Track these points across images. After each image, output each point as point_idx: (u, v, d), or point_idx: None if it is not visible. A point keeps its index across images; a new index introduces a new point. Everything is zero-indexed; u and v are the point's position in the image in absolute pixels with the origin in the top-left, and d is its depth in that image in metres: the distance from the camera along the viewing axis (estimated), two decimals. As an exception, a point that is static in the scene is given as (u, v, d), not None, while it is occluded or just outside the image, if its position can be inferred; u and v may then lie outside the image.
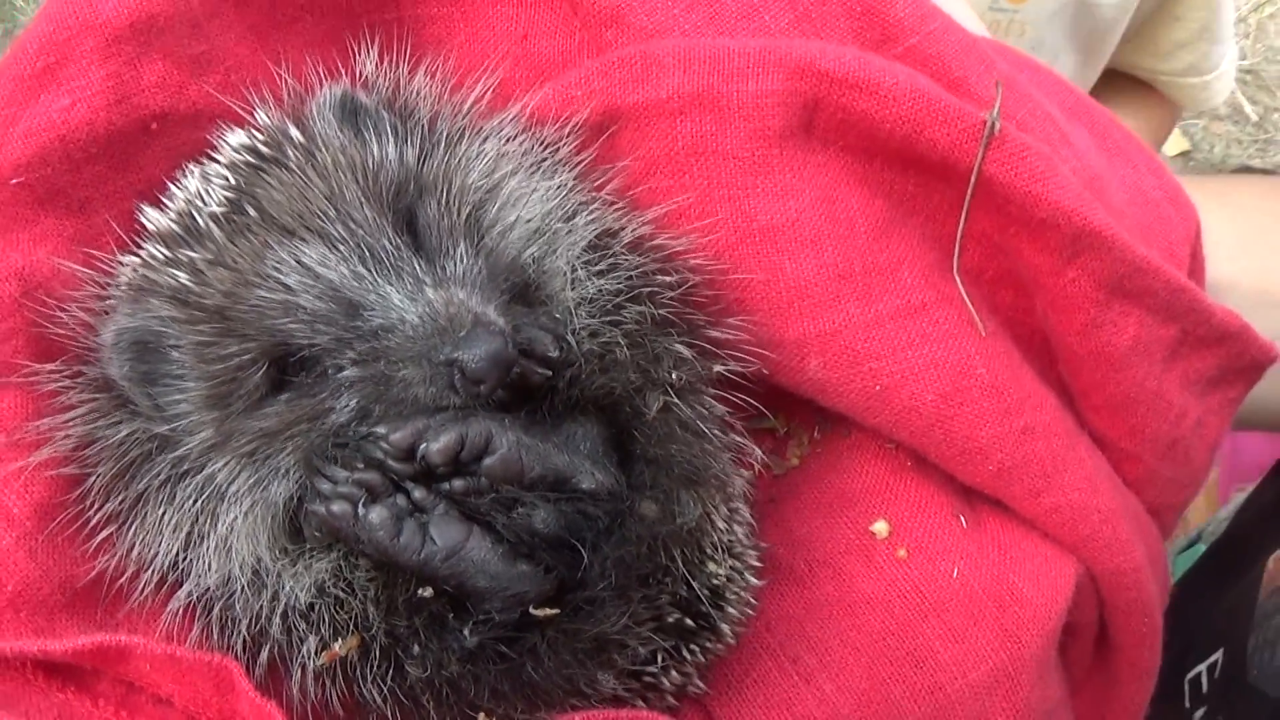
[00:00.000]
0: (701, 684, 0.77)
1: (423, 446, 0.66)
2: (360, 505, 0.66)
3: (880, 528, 0.84)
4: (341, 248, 0.67)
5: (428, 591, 0.68)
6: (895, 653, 0.80)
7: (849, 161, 0.79)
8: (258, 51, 0.77)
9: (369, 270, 0.67)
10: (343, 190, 0.69)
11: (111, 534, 0.72)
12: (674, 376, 0.71)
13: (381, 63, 0.77)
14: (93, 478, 0.72)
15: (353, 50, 0.79)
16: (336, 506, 0.67)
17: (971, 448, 0.79)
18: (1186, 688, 1.18)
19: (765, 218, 0.77)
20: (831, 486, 0.86)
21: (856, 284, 0.77)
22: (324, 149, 0.70)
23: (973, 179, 0.77)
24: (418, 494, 0.67)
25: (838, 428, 0.89)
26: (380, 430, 0.67)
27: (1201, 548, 1.47)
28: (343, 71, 0.77)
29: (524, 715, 0.69)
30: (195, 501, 0.71)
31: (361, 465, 0.67)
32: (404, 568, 0.67)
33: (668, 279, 0.74)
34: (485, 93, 0.78)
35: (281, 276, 0.67)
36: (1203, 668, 1.17)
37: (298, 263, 0.67)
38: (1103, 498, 0.82)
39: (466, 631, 0.68)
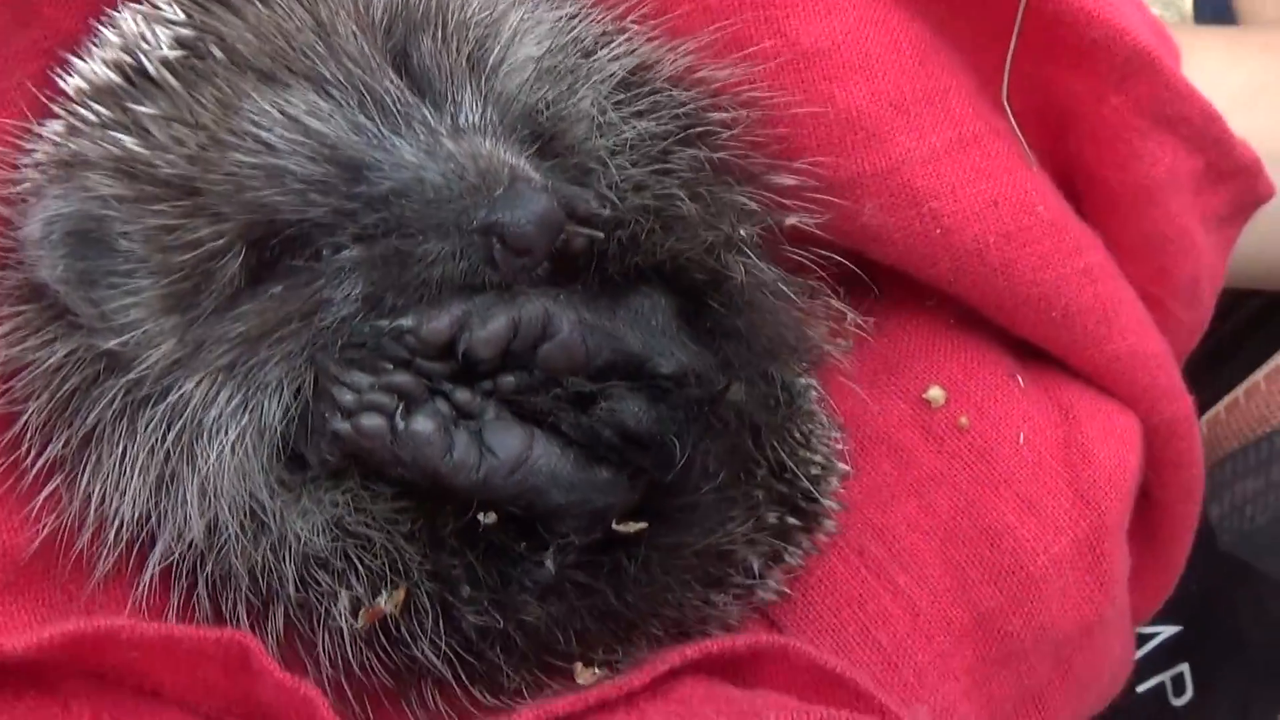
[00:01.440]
0: (785, 588, 0.77)
1: (465, 337, 0.61)
2: (396, 415, 0.61)
3: (936, 395, 0.86)
4: (335, 93, 0.61)
5: (490, 517, 0.64)
6: (968, 532, 0.83)
7: None
8: None
9: (372, 119, 0.61)
10: (333, 21, 0.62)
11: (58, 486, 0.65)
12: (744, 232, 0.69)
13: None
14: (26, 415, 0.65)
15: None
16: (367, 421, 0.62)
17: (1035, 294, 0.82)
18: None
19: (809, 40, 0.76)
20: (873, 354, 0.88)
21: (910, 114, 0.78)
22: None
23: (1026, -5, 0.78)
24: (460, 396, 0.63)
25: (865, 286, 0.89)
26: (406, 323, 0.62)
27: None
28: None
29: (621, 653, 0.67)
30: (163, 435, 0.64)
31: (390, 366, 0.62)
32: (461, 490, 0.63)
33: (722, 115, 0.72)
34: None
35: (261, 133, 0.60)
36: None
37: (282, 114, 0.60)
38: (1156, 343, 0.88)
39: (548, 560, 0.64)
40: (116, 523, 0.66)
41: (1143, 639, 1.30)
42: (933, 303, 0.88)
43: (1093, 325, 0.85)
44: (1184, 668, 1.28)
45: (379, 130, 0.61)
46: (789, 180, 0.74)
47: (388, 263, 0.62)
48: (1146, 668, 1.31)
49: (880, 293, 0.89)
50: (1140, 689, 1.31)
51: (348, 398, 0.62)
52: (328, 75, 0.61)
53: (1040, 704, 0.86)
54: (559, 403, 0.64)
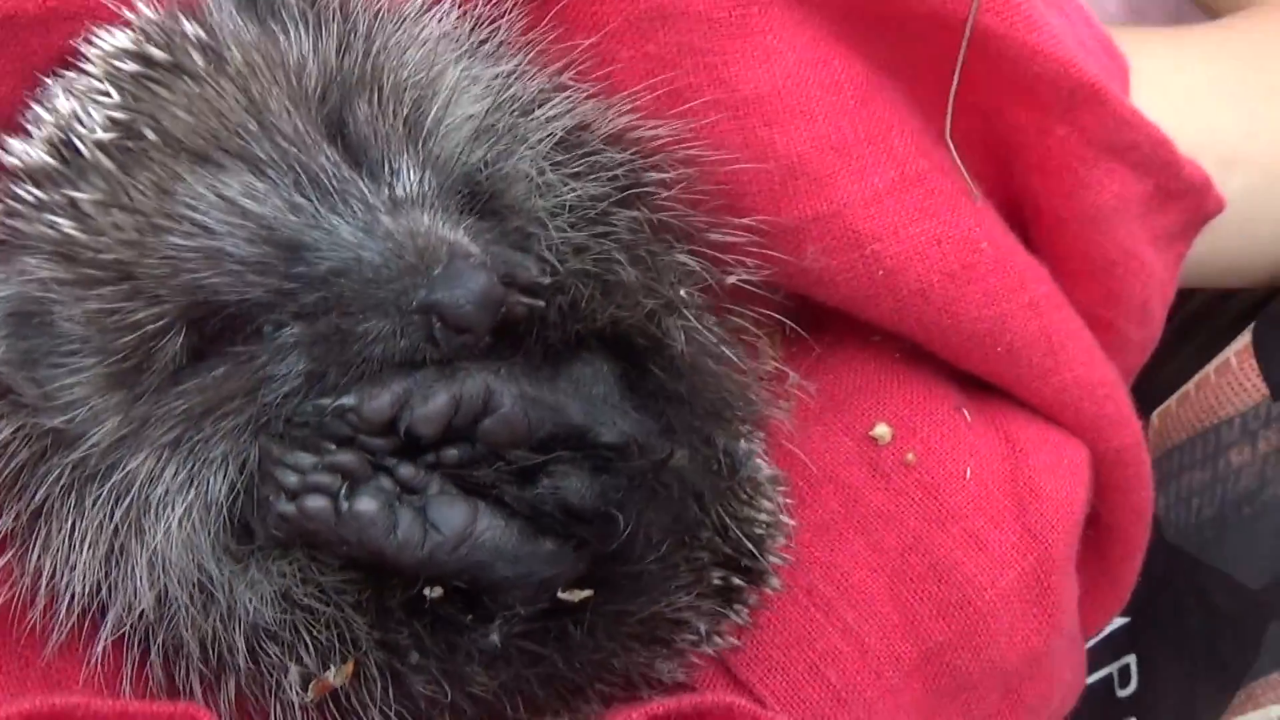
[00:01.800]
0: (731, 638, 0.81)
1: (407, 415, 0.64)
2: (340, 496, 0.65)
3: (882, 432, 0.90)
4: (271, 172, 0.63)
5: (436, 592, 0.68)
6: (916, 569, 0.88)
7: (830, 18, 0.83)
8: None
9: (308, 199, 0.63)
10: (265, 99, 0.64)
11: (10, 560, 0.69)
12: (684, 294, 0.72)
13: None
14: None
15: None
16: (311, 502, 0.65)
17: (981, 329, 0.86)
18: None
19: (749, 87, 0.79)
20: (819, 391, 0.92)
21: (851, 156, 0.82)
22: (232, 47, 0.66)
23: (967, 30, 0.82)
24: (404, 471, 0.66)
25: (810, 322, 0.93)
26: (349, 401, 0.65)
27: None
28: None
29: (569, 713, 0.71)
30: (111, 510, 0.68)
31: (332, 446, 0.65)
32: (406, 567, 0.66)
33: (660, 175, 0.75)
34: None
35: (197, 215, 0.62)
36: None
37: (217, 196, 0.63)
38: (1104, 371, 0.92)
39: (494, 632, 0.68)
40: (68, 595, 0.69)
41: (1090, 630, 1.36)
42: (878, 339, 0.92)
43: (1039, 358, 0.89)
44: (1130, 659, 1.33)
45: (316, 210, 0.63)
46: (731, 237, 0.77)
47: (328, 340, 0.65)
48: (1094, 660, 1.35)
49: (822, 337, 0.92)
50: (1089, 681, 1.37)
51: (291, 479, 0.65)
52: (262, 155, 0.64)
53: None
54: (502, 476, 0.68)
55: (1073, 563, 0.92)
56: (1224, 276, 1.21)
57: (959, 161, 0.87)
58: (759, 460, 0.80)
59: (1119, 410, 0.93)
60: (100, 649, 0.71)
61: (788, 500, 0.83)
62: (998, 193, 0.94)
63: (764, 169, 0.80)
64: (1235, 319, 1.32)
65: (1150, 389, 1.31)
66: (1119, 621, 1.33)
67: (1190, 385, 1.29)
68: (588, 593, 0.69)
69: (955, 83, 0.85)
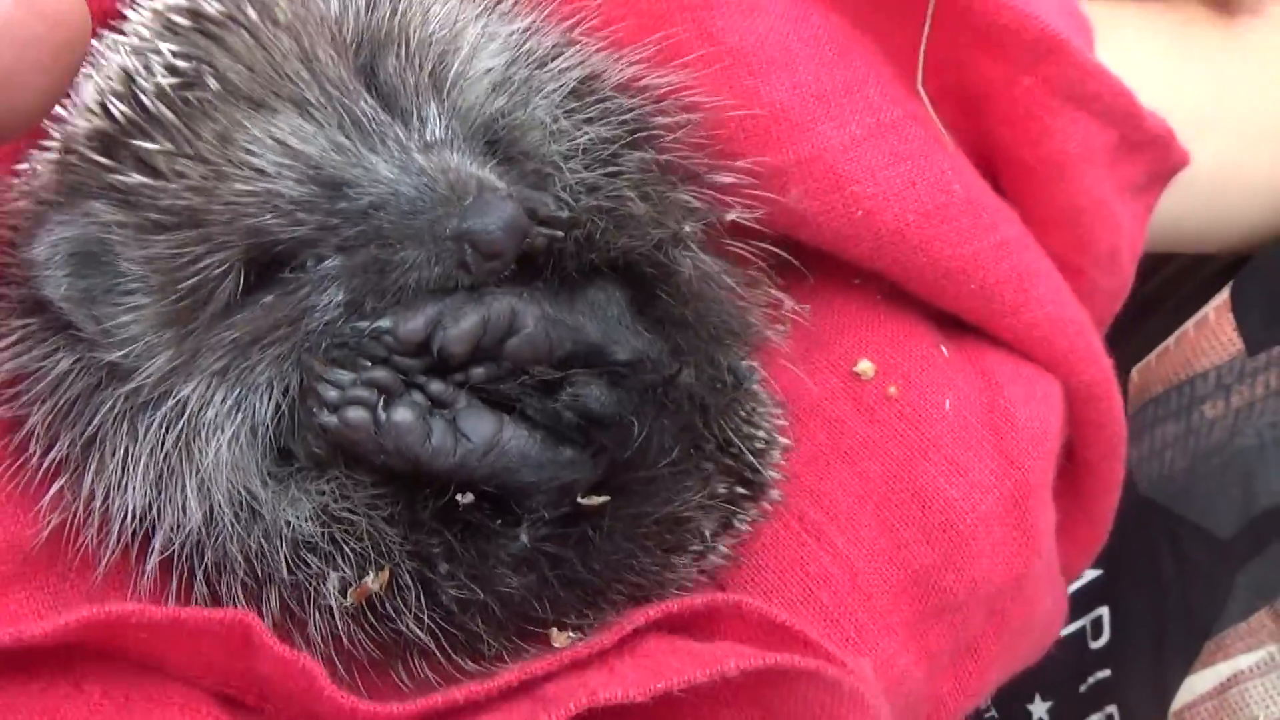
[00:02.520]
0: (733, 553, 0.95)
1: (439, 335, 0.78)
2: (379, 409, 0.78)
3: (865, 368, 1.05)
4: (318, 115, 0.77)
5: (468, 497, 0.82)
6: (901, 495, 1.03)
7: None
8: None
9: (350, 139, 0.77)
10: (314, 48, 0.79)
11: (63, 486, 0.82)
12: (689, 228, 0.87)
13: None
14: (31, 419, 0.81)
15: None
16: (352, 414, 0.78)
17: (955, 267, 1.02)
18: None
19: (734, 39, 0.95)
20: (805, 332, 1.08)
21: (830, 104, 0.98)
22: (285, 4, 0.80)
23: (938, -15, 0.97)
24: (435, 387, 0.80)
25: (795, 270, 1.07)
26: (384, 324, 0.79)
27: None
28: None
29: (590, 619, 0.85)
30: (163, 436, 0.81)
31: (369, 364, 0.79)
32: (439, 473, 0.80)
33: (665, 120, 0.90)
34: None
35: (255, 160, 0.76)
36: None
37: (272, 139, 0.76)
38: (1074, 310, 1.09)
39: (522, 533, 0.82)
40: (119, 517, 0.82)
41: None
42: (860, 281, 1.08)
43: (1010, 295, 1.05)
44: (1103, 611, 1.47)
45: (357, 149, 0.77)
46: (728, 178, 0.93)
47: (367, 270, 0.79)
48: (1069, 612, 1.51)
49: (811, 274, 1.06)
50: (1064, 633, 1.51)
51: (332, 394, 0.79)
52: (311, 99, 0.77)
53: (975, 653, 1.07)
54: (526, 390, 0.82)
55: (1049, 490, 1.07)
56: (1200, 241, 1.39)
57: (931, 111, 1.02)
58: (758, 383, 0.93)
59: (1088, 346, 1.09)
60: (148, 568, 0.83)
61: (782, 423, 0.96)
62: (971, 143, 1.11)
63: (751, 115, 0.95)
64: (1215, 276, 1.47)
65: (1131, 347, 1.48)
66: (1092, 574, 1.48)
67: (1170, 340, 1.44)
68: (605, 498, 0.84)
69: (925, 36, 1.01)
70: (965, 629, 1.05)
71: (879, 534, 1.02)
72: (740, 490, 0.92)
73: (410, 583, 0.83)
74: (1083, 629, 1.48)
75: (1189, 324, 1.42)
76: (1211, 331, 1.38)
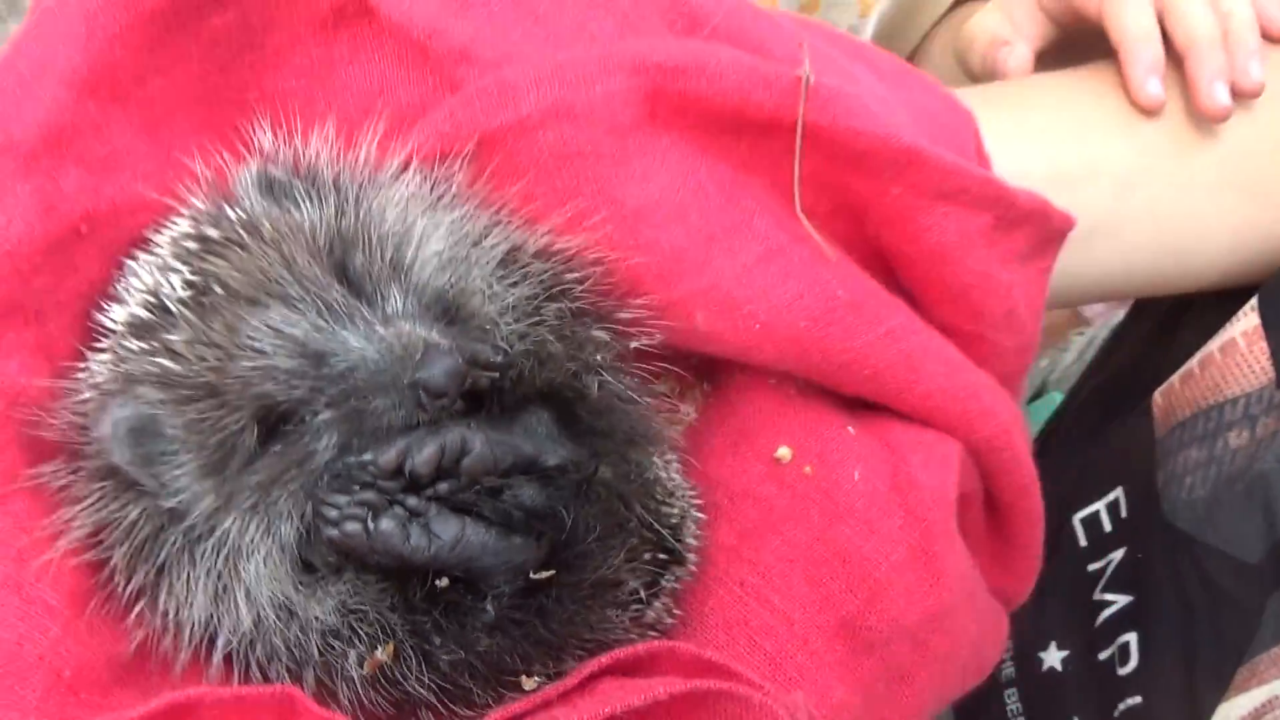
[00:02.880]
0: (676, 611, 1.24)
1: (409, 461, 1.08)
2: (368, 521, 1.08)
3: (784, 453, 1.33)
4: (300, 305, 1.08)
5: (444, 581, 1.13)
6: (823, 556, 1.30)
7: (693, 137, 1.28)
8: (153, 145, 1.20)
9: (326, 321, 1.08)
10: (293, 255, 1.10)
11: (143, 607, 1.12)
12: (599, 358, 1.18)
13: (275, 137, 1.19)
14: (114, 558, 1.12)
15: (234, 130, 1.18)
16: (349, 526, 1.09)
17: (847, 359, 1.29)
18: (1079, 528, 1.75)
19: (634, 202, 1.24)
20: (731, 428, 1.37)
21: (720, 242, 1.27)
22: (264, 222, 1.13)
23: (799, 128, 1.26)
24: (411, 502, 1.11)
25: (724, 376, 1.36)
26: (367, 457, 1.10)
27: (1056, 395, 2.02)
28: (243, 150, 1.17)
29: (556, 670, 1.14)
30: (214, 560, 1.12)
31: (358, 488, 1.09)
32: (418, 565, 1.11)
33: (575, 275, 1.21)
34: (371, 147, 1.21)
35: (257, 343, 1.07)
36: (1100, 506, 1.73)
37: (267, 327, 1.07)
38: (963, 377, 1.36)
39: (488, 606, 1.12)
40: (188, 627, 1.12)
41: (1099, 606, 1.68)
42: (775, 381, 1.35)
43: (900, 376, 1.33)
44: (1130, 637, 1.62)
45: (332, 328, 1.08)
46: (631, 314, 1.23)
47: (350, 419, 1.09)
48: (1096, 639, 1.68)
49: (733, 377, 1.35)
50: (1099, 658, 1.67)
51: (333, 513, 1.09)
52: (293, 294, 1.08)
53: (906, 679, 1.34)
54: (480, 496, 1.12)
55: (953, 536, 1.34)
56: (1154, 285, 1.65)
57: (812, 230, 1.31)
58: (670, 472, 1.21)
59: (981, 406, 1.36)
60: (215, 663, 1.14)
61: (697, 500, 1.25)
62: (865, 248, 1.40)
63: (654, 260, 1.24)
64: (1226, 299, 1.61)
65: (1152, 372, 1.67)
66: (1120, 599, 1.65)
67: (1194, 363, 1.56)
68: (551, 572, 1.14)
69: (797, 169, 1.30)
70: (893, 660, 1.31)
71: (809, 589, 1.29)
72: (661, 555, 1.22)
73: (411, 653, 1.13)
74: (1111, 656, 1.64)
75: (1213, 346, 1.53)
76: (1242, 357, 1.48)
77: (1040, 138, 1.56)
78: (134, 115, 1.18)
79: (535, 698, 1.09)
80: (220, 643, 1.13)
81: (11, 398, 1.09)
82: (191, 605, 1.11)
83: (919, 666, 1.34)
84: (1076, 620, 1.72)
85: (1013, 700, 1.77)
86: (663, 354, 1.30)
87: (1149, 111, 1.55)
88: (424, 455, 1.07)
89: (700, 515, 1.27)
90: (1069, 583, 1.74)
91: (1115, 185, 1.50)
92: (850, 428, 1.35)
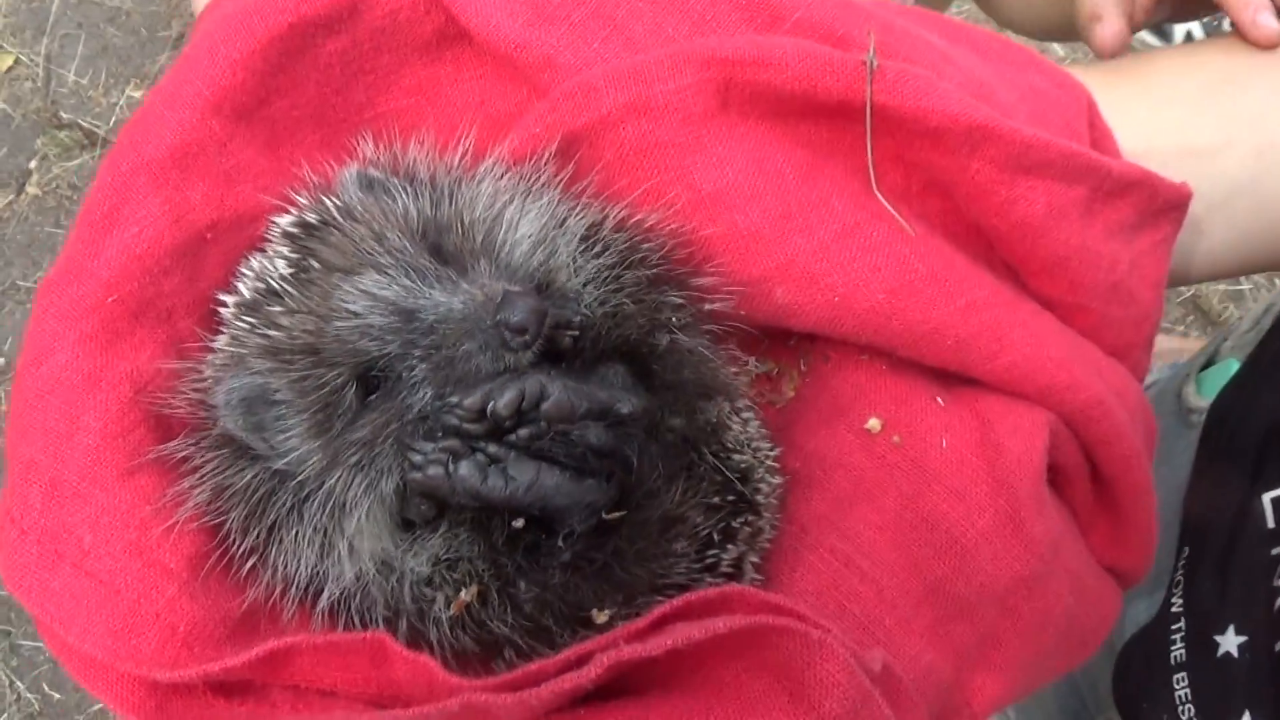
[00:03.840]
0: (758, 574, 1.31)
1: (490, 404, 1.18)
2: (449, 464, 1.19)
3: (874, 424, 1.38)
4: (391, 271, 1.21)
5: (520, 523, 1.22)
6: (911, 523, 1.35)
7: (767, 125, 1.37)
8: (274, 160, 1.36)
9: (414, 282, 1.21)
10: (383, 231, 1.24)
11: (255, 565, 1.25)
12: (674, 319, 1.27)
13: (377, 147, 1.34)
14: (230, 520, 1.25)
15: (350, 146, 1.34)
16: (431, 470, 1.19)
17: (927, 330, 1.35)
18: (1269, 507, 1.69)
19: (710, 186, 1.34)
20: (825, 404, 1.43)
21: (797, 220, 1.34)
22: (359, 206, 1.28)
23: (868, 110, 1.34)
24: (492, 448, 1.20)
25: (818, 357, 1.45)
26: (453, 400, 1.19)
27: (1233, 362, 1.99)
28: (349, 160, 1.32)
29: (628, 607, 1.22)
30: (321, 517, 1.24)
31: (442, 434, 1.20)
32: (496, 505, 1.20)
33: (651, 245, 1.31)
34: (468, 149, 1.36)
35: (350, 305, 1.20)
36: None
37: (360, 291, 1.20)
38: (1052, 348, 1.39)
39: (560, 543, 1.21)
40: (296, 582, 1.25)
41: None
42: (866, 357, 1.41)
43: (983, 345, 1.37)
44: None
45: (420, 288, 1.20)
46: (706, 280, 1.31)
47: (442, 368, 1.19)
48: None
49: (828, 358, 1.42)
50: None
51: (418, 459, 1.20)
52: (384, 261, 1.22)
53: (997, 644, 1.38)
54: (556, 442, 1.21)
55: (1042, 502, 1.37)
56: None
57: (889, 206, 1.38)
58: (745, 426, 1.30)
59: (1072, 377, 1.40)
60: (319, 616, 1.25)
61: (771, 452, 1.35)
62: (957, 224, 1.45)
63: (732, 239, 1.33)
64: None
65: None
66: None
67: None
68: (622, 512, 1.23)
69: (870, 151, 1.37)
70: (983, 624, 1.35)
71: (897, 555, 1.34)
72: (730, 498, 1.29)
73: (495, 595, 1.23)
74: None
75: None
76: None
77: (1166, 109, 1.59)
78: (257, 133, 1.34)
79: (607, 637, 1.16)
80: (324, 596, 1.24)
81: (140, 385, 1.23)
82: (299, 561, 1.23)
83: (1009, 631, 1.37)
84: (1258, 606, 1.67)
85: (1181, 685, 1.72)
86: (758, 335, 1.40)
87: (1268, 47, 1.57)
88: (506, 397, 1.16)
89: (775, 465, 1.34)
90: (1252, 565, 1.70)
91: (1252, 146, 1.52)
92: (939, 399, 1.40)
